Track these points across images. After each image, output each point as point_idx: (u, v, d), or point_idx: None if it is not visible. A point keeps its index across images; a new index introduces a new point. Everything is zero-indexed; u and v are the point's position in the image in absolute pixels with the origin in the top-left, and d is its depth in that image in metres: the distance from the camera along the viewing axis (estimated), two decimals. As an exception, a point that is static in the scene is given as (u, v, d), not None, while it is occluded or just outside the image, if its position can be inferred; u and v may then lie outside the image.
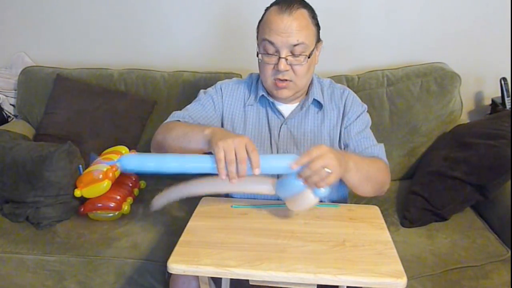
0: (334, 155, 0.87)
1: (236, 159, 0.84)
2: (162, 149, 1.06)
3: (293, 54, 1.05)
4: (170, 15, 1.85)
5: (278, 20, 1.03)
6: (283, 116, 1.16)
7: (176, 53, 1.90)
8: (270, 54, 1.06)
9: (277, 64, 1.05)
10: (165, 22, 1.86)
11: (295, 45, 1.03)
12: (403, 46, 1.79)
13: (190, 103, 1.21)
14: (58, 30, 1.93)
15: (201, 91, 1.24)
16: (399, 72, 1.68)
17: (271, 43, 1.04)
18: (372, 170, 1.03)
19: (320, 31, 1.11)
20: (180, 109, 1.19)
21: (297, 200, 0.91)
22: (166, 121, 1.15)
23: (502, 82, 1.67)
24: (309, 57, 1.06)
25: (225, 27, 1.84)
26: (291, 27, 1.02)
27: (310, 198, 0.89)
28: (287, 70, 1.05)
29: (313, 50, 1.07)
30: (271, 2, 1.10)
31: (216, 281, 1.00)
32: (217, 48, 1.88)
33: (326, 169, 0.84)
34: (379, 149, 1.14)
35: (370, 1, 1.75)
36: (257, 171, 0.86)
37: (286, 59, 1.04)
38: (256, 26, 1.12)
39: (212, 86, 1.23)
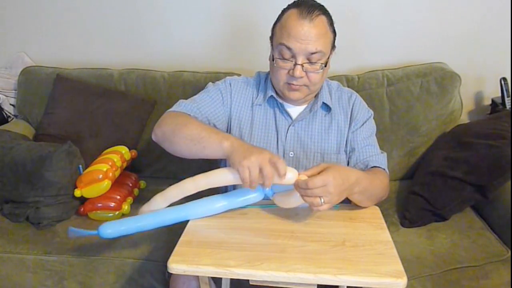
0: (335, 189, 0.87)
1: (264, 175, 0.87)
2: (169, 143, 1.04)
3: (309, 61, 1.03)
4: (170, 15, 1.84)
5: (298, 27, 1.01)
6: (291, 118, 1.15)
7: (176, 53, 1.89)
8: (286, 59, 1.04)
9: (292, 69, 1.04)
10: (165, 22, 1.86)
11: (312, 53, 1.02)
12: (403, 46, 1.79)
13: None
14: (58, 30, 1.93)
15: (210, 83, 1.21)
16: (399, 72, 1.68)
17: (289, 48, 1.02)
18: (376, 191, 1.03)
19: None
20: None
21: (285, 196, 0.95)
22: (172, 110, 1.12)
23: (502, 82, 1.67)
24: (325, 66, 1.05)
25: (226, 27, 1.84)
26: (310, 35, 1.00)
27: (296, 198, 0.92)
28: (301, 77, 1.04)
29: (328, 58, 1.07)
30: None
31: (216, 281, 1.00)
32: (217, 48, 1.87)
33: (322, 200, 0.86)
34: (382, 159, 1.14)
35: (370, 2, 1.75)
36: (283, 179, 0.89)
37: (302, 66, 1.03)
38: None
39: (222, 80, 1.21)
